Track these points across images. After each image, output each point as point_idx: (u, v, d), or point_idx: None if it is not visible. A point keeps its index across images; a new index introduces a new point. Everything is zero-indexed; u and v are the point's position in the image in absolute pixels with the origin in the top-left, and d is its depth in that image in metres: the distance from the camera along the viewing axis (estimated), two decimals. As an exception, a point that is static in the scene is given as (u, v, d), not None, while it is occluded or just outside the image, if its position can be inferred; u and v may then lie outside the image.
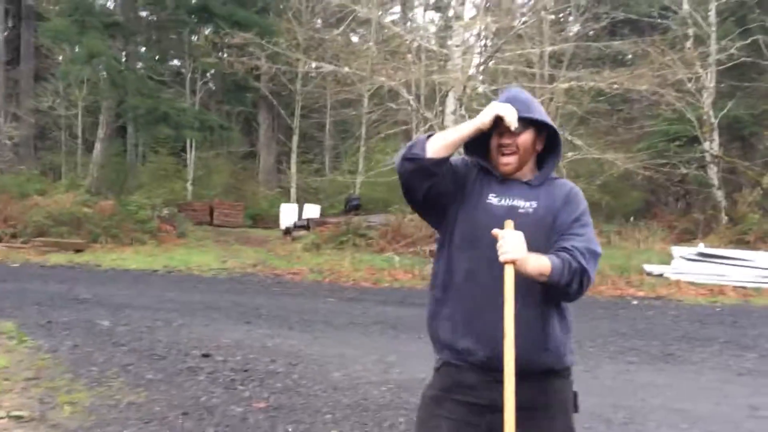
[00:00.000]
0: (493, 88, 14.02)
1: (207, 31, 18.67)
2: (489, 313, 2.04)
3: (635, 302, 10.56)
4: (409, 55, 13.54)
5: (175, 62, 27.42)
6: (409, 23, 19.86)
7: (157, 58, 23.41)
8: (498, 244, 1.96)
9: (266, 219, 23.49)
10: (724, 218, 16.62)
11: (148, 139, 24.26)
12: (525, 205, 2.11)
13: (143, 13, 20.06)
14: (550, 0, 13.73)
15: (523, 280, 1.98)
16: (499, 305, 1.99)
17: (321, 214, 20.57)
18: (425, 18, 23.40)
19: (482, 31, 14.47)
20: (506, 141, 2.13)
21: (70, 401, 4.50)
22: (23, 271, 11.58)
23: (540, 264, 1.97)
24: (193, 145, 24.27)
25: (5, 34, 29.48)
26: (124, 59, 20.84)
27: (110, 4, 20.78)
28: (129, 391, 4.89)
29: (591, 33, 21.11)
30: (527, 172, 2.19)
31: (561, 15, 22.66)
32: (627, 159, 13.22)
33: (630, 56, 20.83)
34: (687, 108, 17.44)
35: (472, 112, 13.55)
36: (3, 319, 7.12)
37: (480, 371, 2.09)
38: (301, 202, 22.24)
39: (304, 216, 20.39)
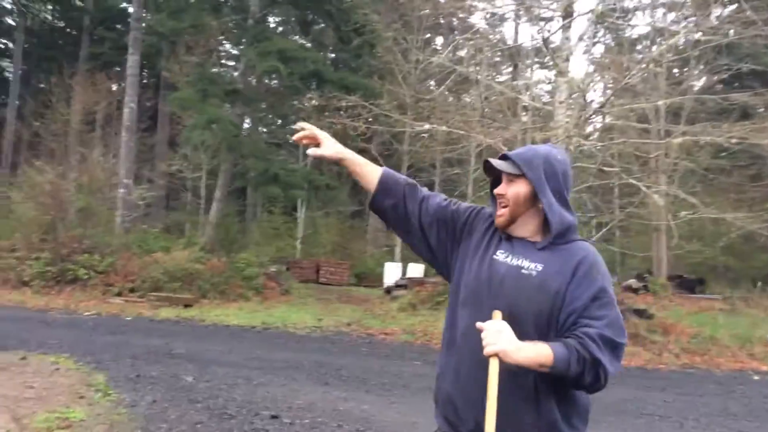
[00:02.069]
0: (601, 144, 13.48)
1: (315, 95, 19.42)
2: (482, 379, 1.88)
3: (756, 377, 9.49)
4: (508, 112, 13.35)
5: (295, 126, 28.87)
6: (516, 81, 19.74)
7: (273, 122, 24.64)
8: (482, 335, 1.85)
9: (371, 278, 23.67)
10: None
11: (262, 199, 25.39)
12: (529, 266, 1.98)
13: (258, 81, 21.23)
14: (661, 53, 13.09)
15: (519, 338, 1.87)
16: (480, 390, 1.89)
17: (424, 274, 20.45)
18: (533, 75, 23.16)
19: (587, 87, 14.05)
20: (498, 191, 2.08)
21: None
22: (133, 324, 12.19)
23: (538, 354, 1.83)
24: (303, 204, 25.14)
25: (148, 104, 32.49)
26: (245, 124, 22.17)
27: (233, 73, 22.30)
28: (190, 450, 4.90)
29: (712, 86, 19.99)
30: (534, 232, 2.06)
31: (677, 68, 21.72)
32: (749, 218, 12.14)
33: (762, 110, 19.44)
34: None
35: (575, 170, 13.08)
36: (98, 371, 7.45)
37: None
38: (405, 261, 22.24)
39: (408, 275, 20.35)
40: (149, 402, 6.22)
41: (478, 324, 1.88)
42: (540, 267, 1.97)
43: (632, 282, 19.93)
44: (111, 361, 8.16)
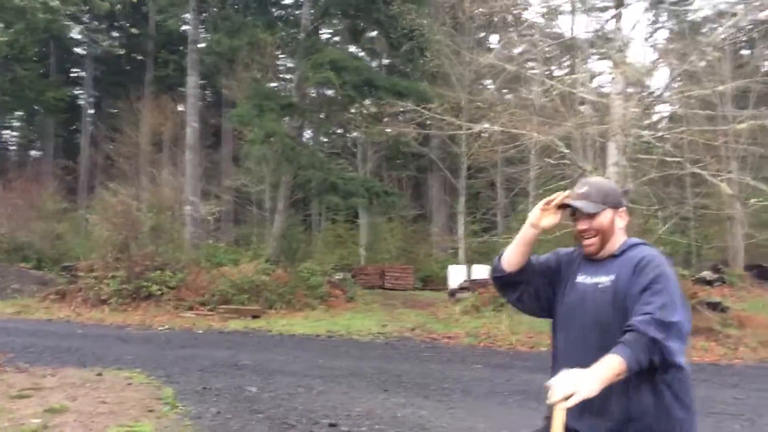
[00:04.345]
0: (660, 134, 13.08)
1: (367, 102, 19.61)
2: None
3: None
4: (564, 107, 13.11)
5: (353, 135, 29.21)
6: (572, 75, 19.34)
7: (330, 132, 24.99)
8: (551, 392, 1.98)
9: (436, 281, 23.61)
10: None
11: (324, 208, 25.77)
12: (605, 280, 2.22)
13: (313, 93, 21.60)
14: (719, 37, 12.63)
15: (607, 347, 2.01)
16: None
17: (489, 276, 20.23)
18: (590, 68, 22.66)
19: (646, 76, 13.68)
20: (582, 227, 2.30)
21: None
22: (203, 337, 12.61)
23: (610, 369, 1.94)
24: (365, 211, 25.36)
25: (212, 121, 33.64)
26: (305, 136, 22.66)
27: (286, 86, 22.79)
28: (250, 460, 5.04)
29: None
30: (616, 246, 2.30)
31: (746, 51, 20.80)
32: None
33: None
34: None
35: (636, 162, 12.72)
36: (167, 384, 7.76)
37: None
38: (470, 264, 22.08)
39: (473, 277, 20.19)
40: (213, 414, 6.43)
41: (545, 384, 2.00)
42: (613, 277, 2.20)
43: (707, 274, 19.16)
44: (180, 374, 8.47)
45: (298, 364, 9.32)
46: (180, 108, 27.04)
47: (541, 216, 2.34)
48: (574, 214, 2.33)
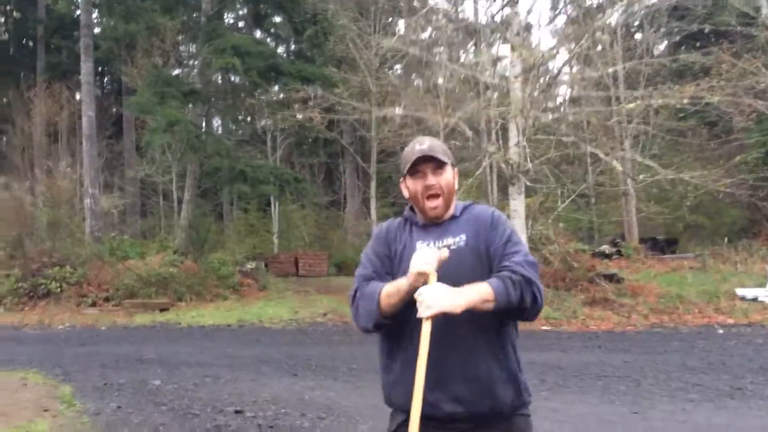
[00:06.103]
0: (557, 115, 13.59)
1: (275, 89, 19.35)
2: (437, 367, 1.99)
3: (721, 331, 9.69)
4: (468, 90, 13.39)
5: (263, 122, 28.67)
6: (476, 59, 19.72)
7: (238, 119, 24.50)
8: (417, 303, 1.92)
9: (351, 266, 23.65)
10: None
11: (232, 197, 25.26)
12: (455, 240, 2.14)
13: (218, 80, 21.09)
14: (611, 20, 13.22)
15: (478, 318, 1.98)
16: (443, 357, 2.00)
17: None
18: (493, 53, 23.22)
19: (542, 60, 14.13)
20: (430, 182, 2.16)
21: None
22: (107, 333, 12.16)
23: (478, 292, 1.94)
24: (277, 199, 25.05)
25: (113, 110, 32.17)
26: (214, 123, 22.03)
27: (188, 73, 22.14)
28: (150, 452, 4.94)
29: (674, 50, 20.05)
30: (450, 210, 2.24)
31: (638, 35, 21.82)
32: (706, 177, 12.31)
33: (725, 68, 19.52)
34: (780, 116, 16.24)
35: (534, 143, 13.18)
36: (65, 383, 7.46)
37: (433, 425, 2.03)
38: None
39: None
40: (113, 409, 6.25)
41: (416, 294, 1.94)
42: (464, 236, 2.15)
43: (605, 248, 20.14)
44: (79, 372, 8.17)
45: (206, 355, 9.16)
46: (76, 96, 25.73)
47: (436, 264, 2.01)
48: (418, 172, 2.15)
